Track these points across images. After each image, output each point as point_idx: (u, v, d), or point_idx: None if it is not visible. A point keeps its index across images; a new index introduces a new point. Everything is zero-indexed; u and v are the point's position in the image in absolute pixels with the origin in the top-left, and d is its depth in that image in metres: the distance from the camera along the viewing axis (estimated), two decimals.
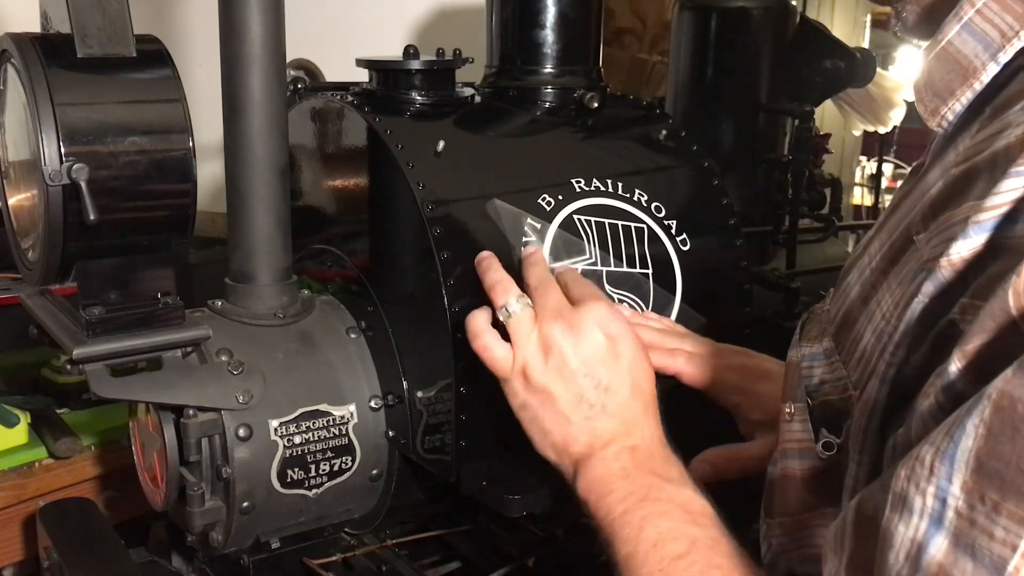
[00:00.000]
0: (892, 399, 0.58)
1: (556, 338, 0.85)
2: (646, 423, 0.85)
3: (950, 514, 0.45)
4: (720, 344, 1.03)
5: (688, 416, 1.08)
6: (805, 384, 0.71)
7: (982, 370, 0.46)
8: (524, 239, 1.02)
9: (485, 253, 0.96)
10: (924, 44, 0.65)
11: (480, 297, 0.99)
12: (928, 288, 0.53)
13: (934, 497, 0.46)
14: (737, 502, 0.85)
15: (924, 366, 0.54)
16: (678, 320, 1.09)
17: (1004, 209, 0.48)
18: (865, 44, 2.47)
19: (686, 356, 0.99)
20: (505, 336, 0.88)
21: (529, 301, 0.89)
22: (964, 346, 0.48)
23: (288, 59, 1.06)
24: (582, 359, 0.85)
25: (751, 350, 1.03)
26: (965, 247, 0.50)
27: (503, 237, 1.02)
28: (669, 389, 1.05)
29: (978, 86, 0.58)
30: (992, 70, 0.56)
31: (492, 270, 0.93)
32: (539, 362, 0.85)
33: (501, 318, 0.89)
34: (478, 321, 0.90)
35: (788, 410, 0.73)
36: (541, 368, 0.85)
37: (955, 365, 0.48)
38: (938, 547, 0.45)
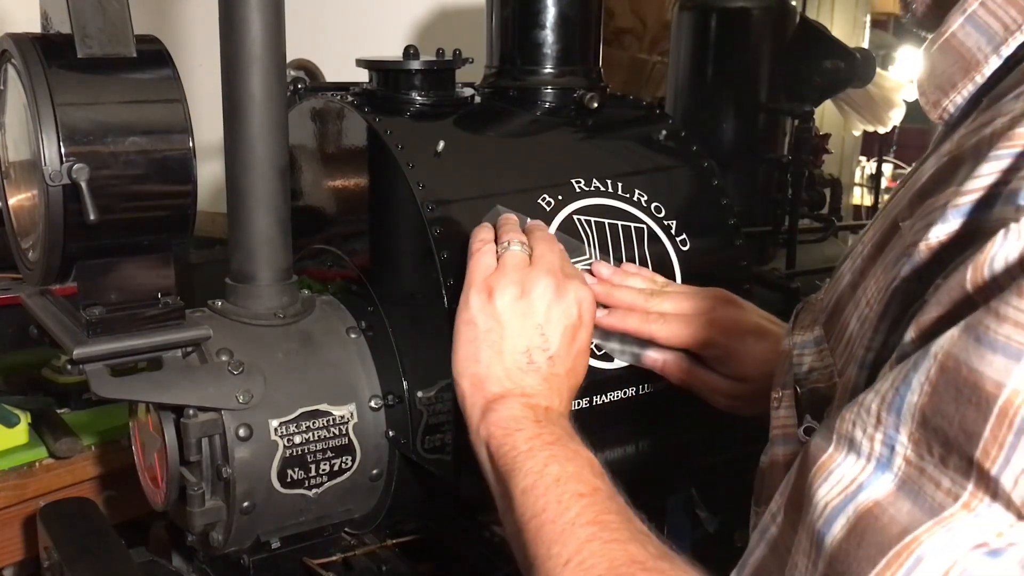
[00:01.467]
0: (868, 383, 0.59)
1: (538, 288, 0.86)
2: (564, 401, 0.86)
3: (899, 460, 0.47)
4: (708, 292, 1.03)
5: (676, 421, 1.08)
6: (795, 372, 0.71)
7: (931, 336, 0.47)
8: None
9: (510, 215, 0.98)
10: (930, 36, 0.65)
11: None
12: (905, 271, 0.54)
13: (882, 443, 0.48)
14: (737, 503, 0.86)
15: None
16: None
17: (980, 193, 0.49)
18: (865, 44, 2.47)
19: (661, 320, 0.99)
20: None
21: (529, 249, 0.91)
22: (920, 317, 0.49)
23: (288, 59, 1.06)
24: (548, 319, 0.86)
25: (743, 300, 1.03)
26: (943, 231, 0.51)
27: None
28: (660, 391, 1.05)
29: (979, 79, 0.58)
30: (994, 63, 0.57)
31: (508, 220, 0.96)
32: (511, 295, 0.86)
33: (500, 251, 0.90)
34: (485, 231, 0.93)
35: (776, 395, 0.73)
36: (510, 300, 0.86)
37: (909, 335, 0.49)
38: (880, 487, 0.47)
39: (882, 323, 0.58)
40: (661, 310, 1.00)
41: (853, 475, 0.49)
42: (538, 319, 0.86)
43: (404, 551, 1.16)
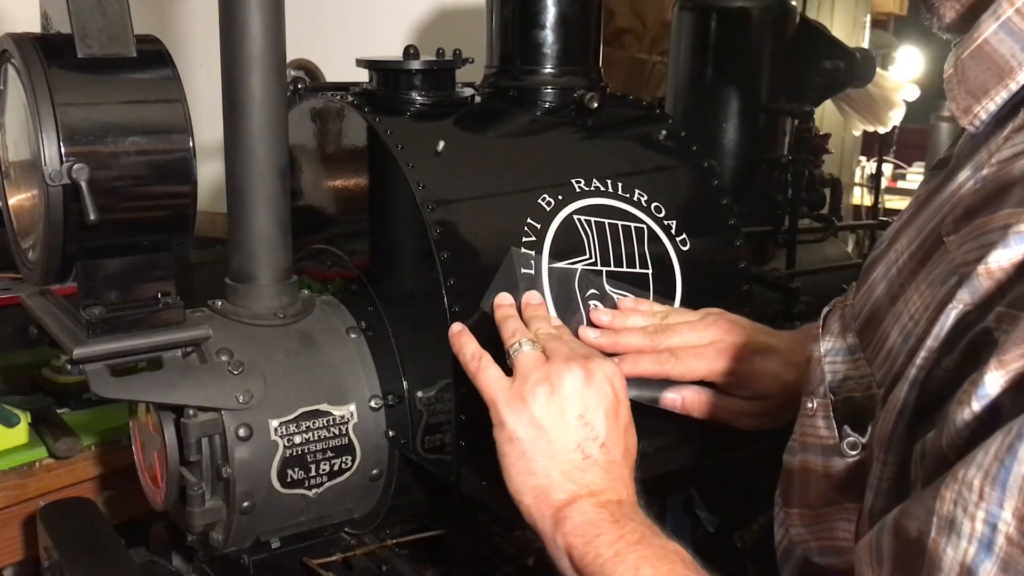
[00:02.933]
0: (920, 402, 0.58)
1: (566, 379, 0.83)
2: (630, 487, 0.83)
3: (1000, 540, 0.45)
4: (710, 318, 1.01)
5: (676, 421, 1.08)
6: (828, 380, 0.71)
7: None
8: (524, 283, 1.00)
9: (505, 299, 0.96)
10: (956, 40, 0.64)
11: (480, 299, 0.99)
12: (963, 295, 0.53)
13: (984, 522, 0.46)
14: (737, 503, 0.86)
15: (956, 372, 0.54)
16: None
17: None
18: (865, 44, 2.47)
19: (673, 358, 0.98)
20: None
21: (539, 345, 0.88)
22: (1002, 356, 0.48)
23: (288, 59, 1.06)
24: (586, 407, 0.82)
25: (741, 318, 1.02)
26: (1004, 256, 0.50)
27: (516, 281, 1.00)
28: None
29: (1014, 86, 0.57)
30: None
31: (511, 316, 0.92)
32: (543, 395, 0.82)
33: (511, 352, 0.87)
34: (470, 342, 0.89)
35: (810, 405, 0.72)
36: (544, 401, 0.82)
37: (992, 375, 0.48)
38: (987, 572, 0.46)
39: (929, 340, 0.57)
40: (670, 346, 0.98)
41: (960, 560, 0.47)
42: (577, 410, 0.82)
43: (404, 551, 1.16)
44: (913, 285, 0.62)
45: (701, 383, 1.00)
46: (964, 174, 0.62)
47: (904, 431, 0.60)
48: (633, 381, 0.97)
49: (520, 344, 0.87)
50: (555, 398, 0.82)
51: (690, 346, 0.98)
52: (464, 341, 0.91)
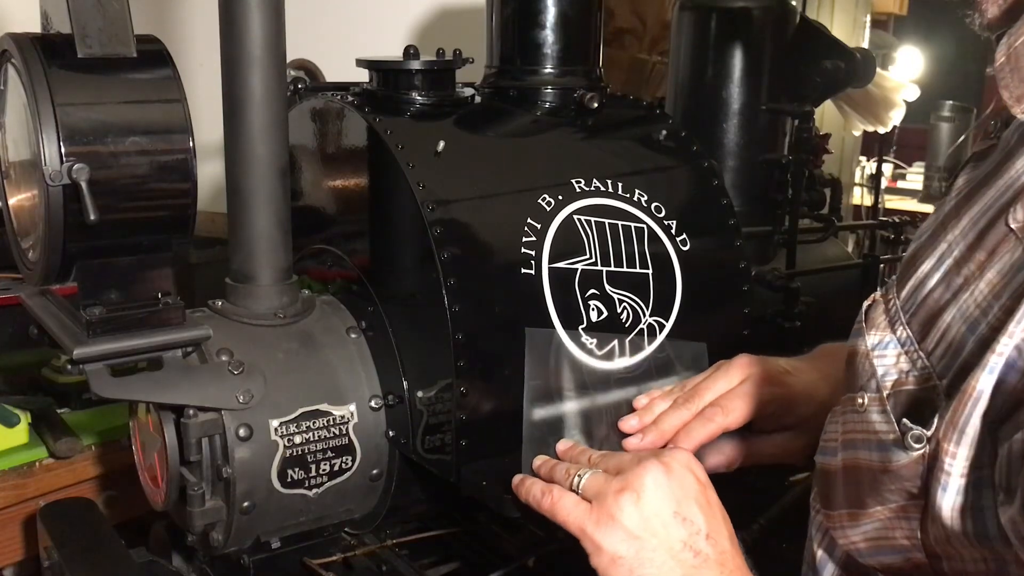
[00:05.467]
0: (997, 392, 0.58)
1: (647, 481, 0.78)
2: (744, 572, 0.79)
3: None
4: (726, 366, 0.99)
5: None
6: (880, 374, 0.69)
7: None
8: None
9: (538, 460, 0.91)
10: (999, 32, 0.65)
11: (482, 300, 0.99)
12: None
13: None
14: (737, 503, 0.86)
15: None
16: (673, 335, 1.08)
17: None
18: (865, 44, 2.47)
19: (720, 411, 0.95)
20: None
21: (600, 469, 0.83)
22: None
23: (288, 59, 1.06)
24: (678, 502, 0.78)
25: (772, 369, 0.99)
26: None
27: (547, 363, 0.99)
28: None
29: None
30: None
31: (555, 464, 0.88)
32: (630, 505, 0.77)
33: (576, 489, 0.82)
34: (534, 484, 0.85)
35: (860, 400, 0.71)
36: (633, 511, 0.77)
37: None
38: None
39: (1012, 326, 0.56)
40: (708, 402, 0.96)
41: None
42: (670, 508, 0.77)
43: (404, 551, 1.16)
44: (977, 274, 0.61)
45: (738, 435, 0.97)
46: (1022, 161, 0.61)
47: (980, 421, 0.59)
48: None
49: (580, 476, 0.82)
50: (643, 503, 0.77)
51: (726, 393, 0.97)
52: (528, 486, 0.86)
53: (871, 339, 0.71)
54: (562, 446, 0.94)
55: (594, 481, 0.80)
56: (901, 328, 0.69)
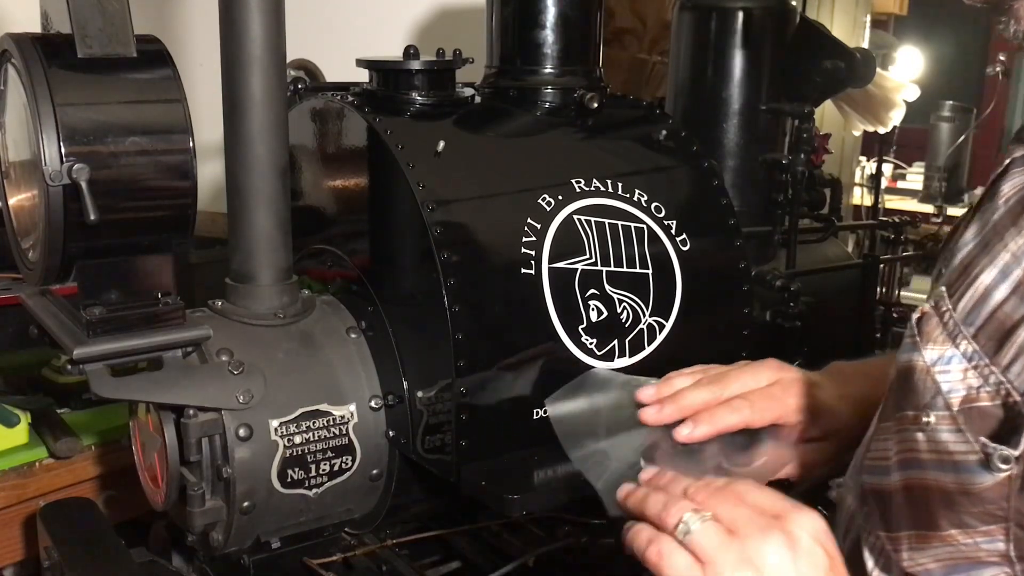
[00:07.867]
0: None
1: (770, 557, 0.68)
2: None
3: None
4: (753, 363, 0.97)
5: None
6: (942, 392, 0.67)
7: None
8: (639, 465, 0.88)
9: (625, 489, 0.80)
10: None
11: (482, 300, 0.99)
12: None
13: None
14: None
15: None
16: (670, 342, 1.08)
17: None
18: (865, 44, 2.47)
19: (747, 404, 0.91)
20: None
21: (709, 514, 0.71)
22: None
23: (288, 59, 1.06)
24: None
25: (802, 377, 0.95)
26: None
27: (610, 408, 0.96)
28: None
29: None
30: None
31: (649, 495, 0.77)
32: None
33: (679, 537, 0.71)
34: (644, 529, 0.74)
35: (927, 419, 0.67)
36: None
37: None
38: None
39: None
40: (734, 393, 0.91)
41: None
42: None
43: (404, 551, 1.16)
44: None
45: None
46: None
47: None
48: (714, 465, 0.89)
49: (686, 522, 0.71)
50: None
51: (757, 391, 0.93)
52: (634, 533, 0.75)
53: (930, 354, 0.68)
54: (646, 475, 0.82)
55: (707, 539, 0.70)
56: (965, 342, 0.66)
